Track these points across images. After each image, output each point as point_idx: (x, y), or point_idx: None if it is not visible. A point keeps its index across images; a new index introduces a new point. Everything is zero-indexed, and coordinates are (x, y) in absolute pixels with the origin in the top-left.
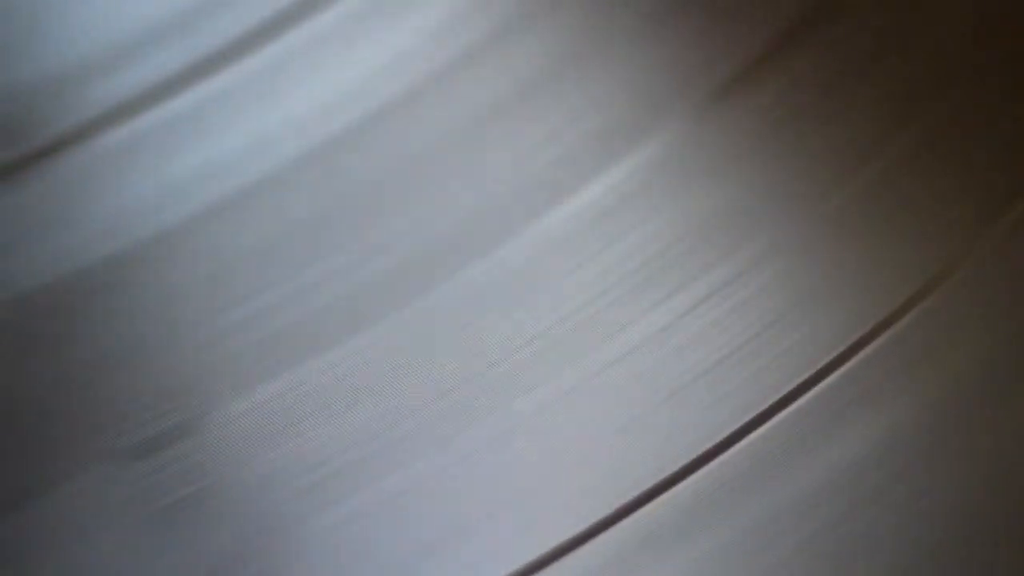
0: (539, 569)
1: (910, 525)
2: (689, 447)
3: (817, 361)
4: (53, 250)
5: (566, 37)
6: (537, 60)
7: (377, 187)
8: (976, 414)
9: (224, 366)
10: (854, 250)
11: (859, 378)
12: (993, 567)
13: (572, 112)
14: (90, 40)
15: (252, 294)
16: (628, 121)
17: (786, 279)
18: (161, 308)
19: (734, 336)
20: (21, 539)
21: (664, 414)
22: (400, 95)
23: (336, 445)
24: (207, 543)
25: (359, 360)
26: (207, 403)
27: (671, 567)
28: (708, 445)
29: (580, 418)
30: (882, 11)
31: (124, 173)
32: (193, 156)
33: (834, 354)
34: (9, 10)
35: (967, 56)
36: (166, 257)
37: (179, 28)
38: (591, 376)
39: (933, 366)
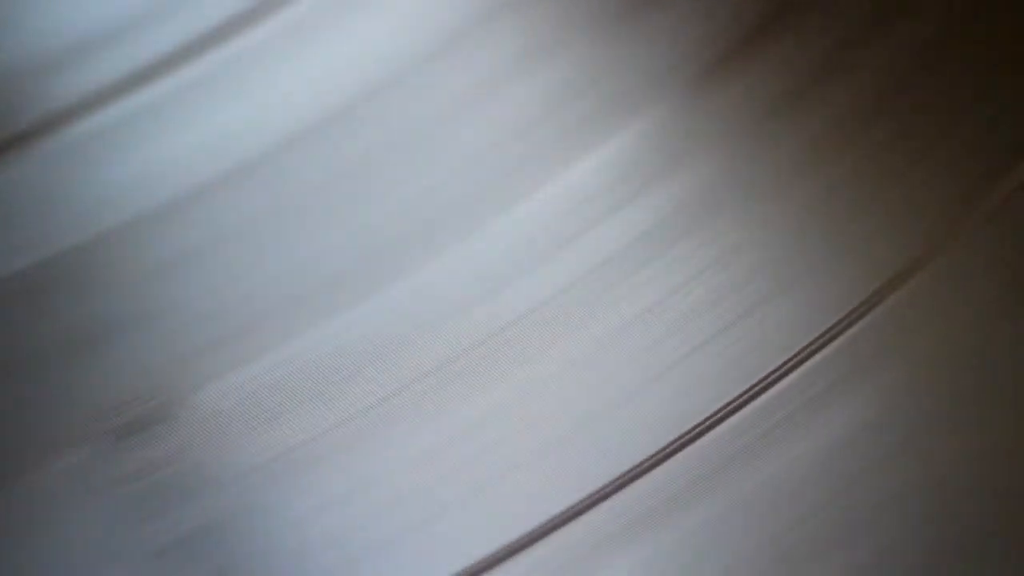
0: (512, 555)
1: (885, 511)
2: (664, 433)
3: (795, 346)
4: (30, 235)
5: (549, 19)
6: (520, 43)
7: (360, 170)
8: (952, 401)
9: (201, 350)
10: (837, 232)
11: (837, 364)
12: (975, 549)
13: (557, 94)
14: (64, 30)
15: (229, 280)
16: (613, 104)
17: (766, 262)
18: (139, 292)
19: (714, 320)
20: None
21: (639, 401)
22: (384, 77)
23: (311, 430)
24: (184, 525)
25: (336, 346)
26: (185, 386)
27: (645, 550)
28: (684, 430)
29: (553, 406)
30: None
31: (100, 159)
32: (168, 143)
33: (812, 338)
34: None
35: (947, 41)
36: (142, 242)
37: (153, 18)
38: (568, 362)
39: (910, 353)
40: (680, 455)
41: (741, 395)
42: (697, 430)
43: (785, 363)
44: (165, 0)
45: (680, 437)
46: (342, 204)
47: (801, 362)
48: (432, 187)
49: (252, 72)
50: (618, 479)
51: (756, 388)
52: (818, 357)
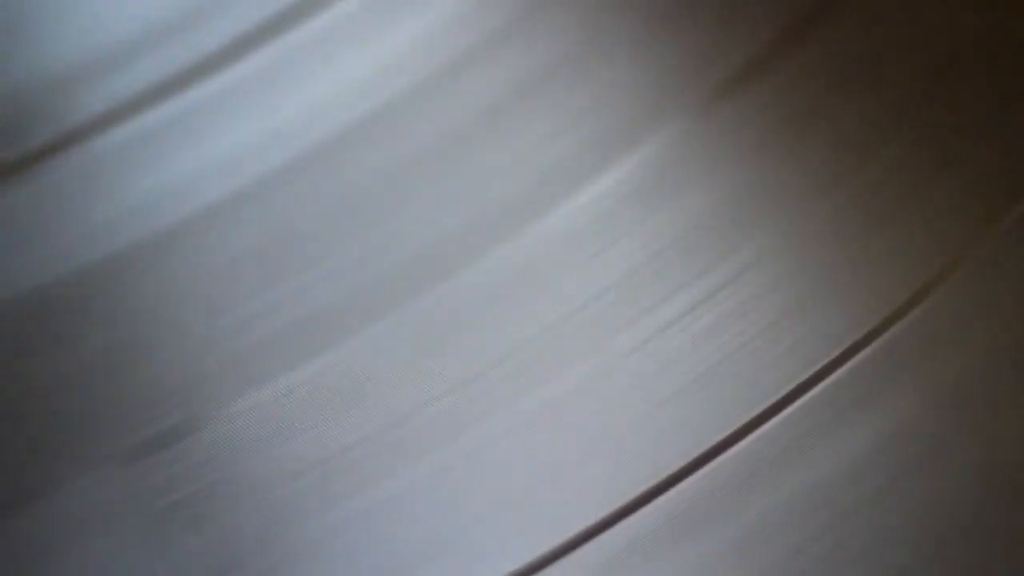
0: (536, 571)
1: (907, 527)
2: (685, 450)
3: (815, 363)
4: (52, 250)
5: (566, 38)
6: (536, 61)
7: (377, 187)
8: (973, 417)
9: (224, 366)
10: (853, 250)
11: (857, 380)
12: (989, 569)
13: (572, 112)
14: (89, 40)
15: (252, 294)
16: (627, 122)
17: (784, 280)
18: (162, 308)
19: (731, 338)
20: (23, 540)
21: (660, 417)
22: (400, 95)
23: (336, 445)
24: (207, 544)
25: (360, 360)
26: (208, 403)
27: (666, 570)
28: (704, 448)
29: (576, 421)
30: (884, 9)
31: (124, 173)
32: (191, 157)
33: (832, 356)
34: (8, 11)
35: (971, 54)
36: (166, 257)
37: (176, 30)
38: (588, 378)
39: (931, 368)
40: (700, 472)
41: (763, 411)
42: (717, 447)
43: (805, 380)
44: (188, 12)
45: (700, 455)
46: (366, 219)
47: (820, 379)
48: (448, 206)
49: (274, 86)
50: (639, 497)
51: (776, 404)
52: (838, 373)
